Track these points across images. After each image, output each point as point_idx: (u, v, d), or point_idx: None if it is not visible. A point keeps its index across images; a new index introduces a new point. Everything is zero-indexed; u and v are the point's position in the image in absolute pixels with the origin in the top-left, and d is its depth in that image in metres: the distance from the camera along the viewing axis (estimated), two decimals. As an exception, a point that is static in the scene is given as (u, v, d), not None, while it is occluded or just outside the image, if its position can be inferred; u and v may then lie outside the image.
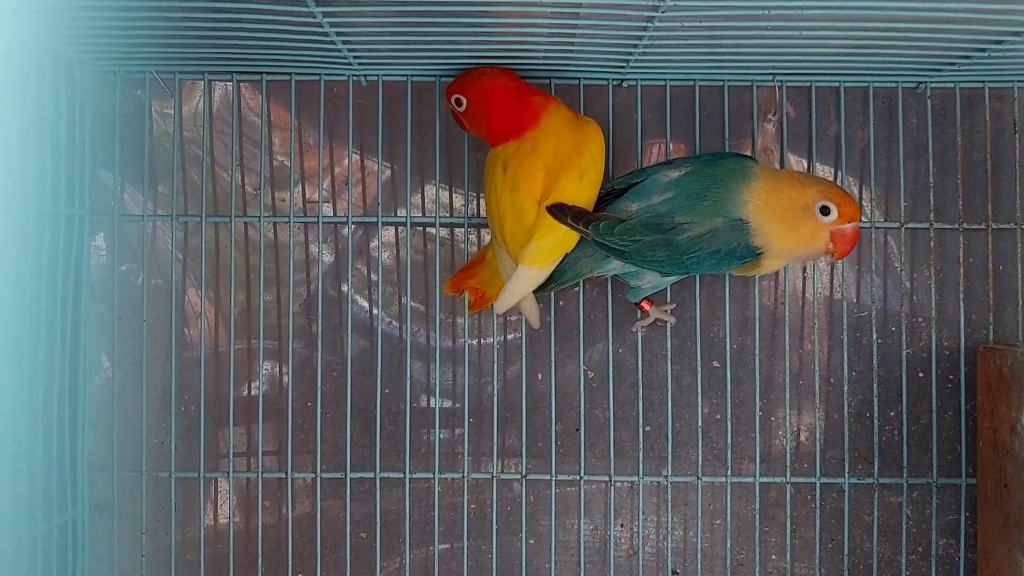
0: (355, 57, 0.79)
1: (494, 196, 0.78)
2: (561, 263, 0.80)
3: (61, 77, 0.82)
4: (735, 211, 0.75)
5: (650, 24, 0.67)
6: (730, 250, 0.75)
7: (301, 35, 0.72)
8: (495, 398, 0.88)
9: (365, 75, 0.87)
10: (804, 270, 0.89)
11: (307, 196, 0.89)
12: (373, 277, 0.89)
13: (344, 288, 0.89)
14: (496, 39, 0.73)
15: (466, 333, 0.88)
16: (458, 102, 0.79)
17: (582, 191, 0.77)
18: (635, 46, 0.73)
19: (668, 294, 0.87)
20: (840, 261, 0.87)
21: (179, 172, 0.88)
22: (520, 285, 0.78)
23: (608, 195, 0.80)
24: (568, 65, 0.83)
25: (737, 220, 0.75)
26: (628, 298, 0.84)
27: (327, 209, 0.89)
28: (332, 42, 0.73)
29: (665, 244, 0.76)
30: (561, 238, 0.77)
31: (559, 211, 0.76)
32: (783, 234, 0.75)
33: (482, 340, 0.89)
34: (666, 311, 0.86)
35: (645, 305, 0.85)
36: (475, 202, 0.88)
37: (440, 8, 0.64)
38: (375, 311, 0.88)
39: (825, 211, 0.74)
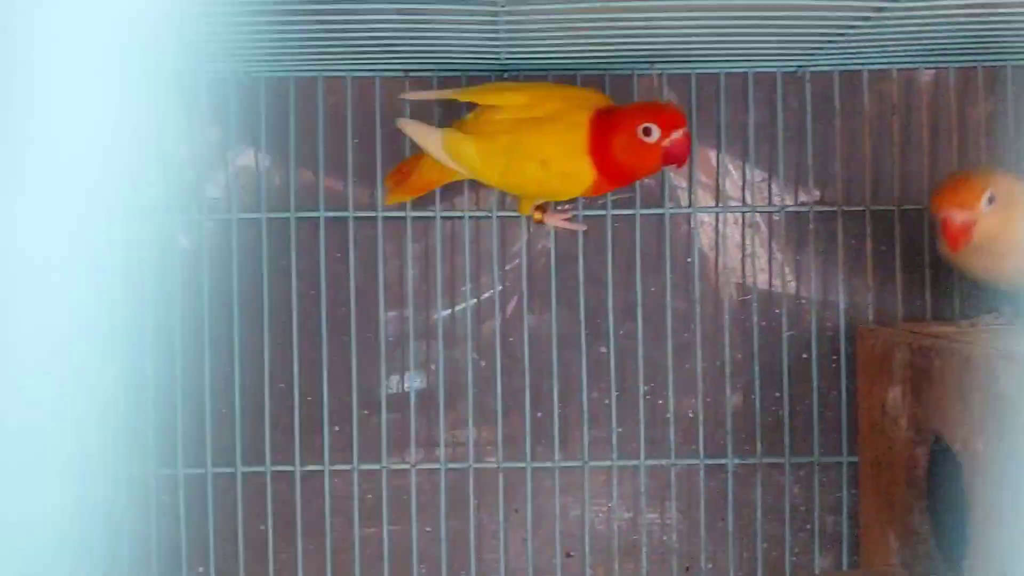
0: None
1: (541, 93, 0.80)
2: None
3: None
4: None
5: (497, 18, 0.67)
6: None
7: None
8: (383, 389, 0.88)
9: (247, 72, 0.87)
10: (688, 256, 0.90)
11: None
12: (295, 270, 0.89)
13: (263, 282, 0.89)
14: (351, 34, 0.73)
15: (353, 321, 0.89)
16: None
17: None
18: (495, 38, 0.74)
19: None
20: (722, 245, 0.89)
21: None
22: (424, 137, 0.80)
23: None
24: (445, 58, 0.83)
25: None
26: None
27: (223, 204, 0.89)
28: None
29: None
30: (469, 162, 0.79)
31: None
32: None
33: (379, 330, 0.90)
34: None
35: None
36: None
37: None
38: (264, 308, 0.88)
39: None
